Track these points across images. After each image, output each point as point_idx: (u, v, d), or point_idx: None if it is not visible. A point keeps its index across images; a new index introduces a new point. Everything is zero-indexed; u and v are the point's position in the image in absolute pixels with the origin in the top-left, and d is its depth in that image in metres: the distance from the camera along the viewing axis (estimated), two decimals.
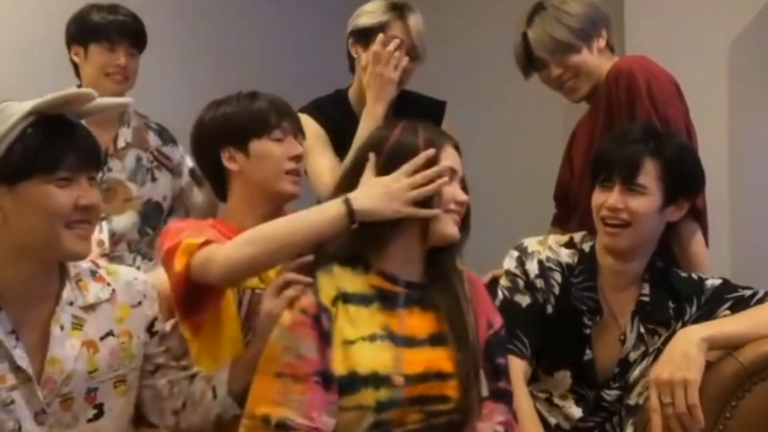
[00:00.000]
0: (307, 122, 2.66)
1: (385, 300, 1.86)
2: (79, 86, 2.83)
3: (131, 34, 2.87)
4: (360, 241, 1.89)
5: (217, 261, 1.92)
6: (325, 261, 1.88)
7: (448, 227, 1.88)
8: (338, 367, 1.79)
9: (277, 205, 2.16)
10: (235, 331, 2.09)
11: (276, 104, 2.18)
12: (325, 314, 1.81)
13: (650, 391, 1.97)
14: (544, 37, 2.51)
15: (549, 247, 2.22)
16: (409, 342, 1.85)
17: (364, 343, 1.82)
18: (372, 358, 1.80)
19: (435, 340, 1.87)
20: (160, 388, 1.91)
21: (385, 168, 1.89)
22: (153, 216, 2.94)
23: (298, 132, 2.20)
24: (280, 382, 1.77)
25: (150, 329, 1.90)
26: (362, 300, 1.85)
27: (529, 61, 2.58)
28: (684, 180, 2.18)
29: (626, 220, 2.12)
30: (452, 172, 1.90)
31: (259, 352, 1.86)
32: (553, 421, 2.18)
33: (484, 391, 1.87)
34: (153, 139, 2.95)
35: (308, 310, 1.81)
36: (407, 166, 1.87)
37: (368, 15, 2.71)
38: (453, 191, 1.89)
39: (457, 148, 1.94)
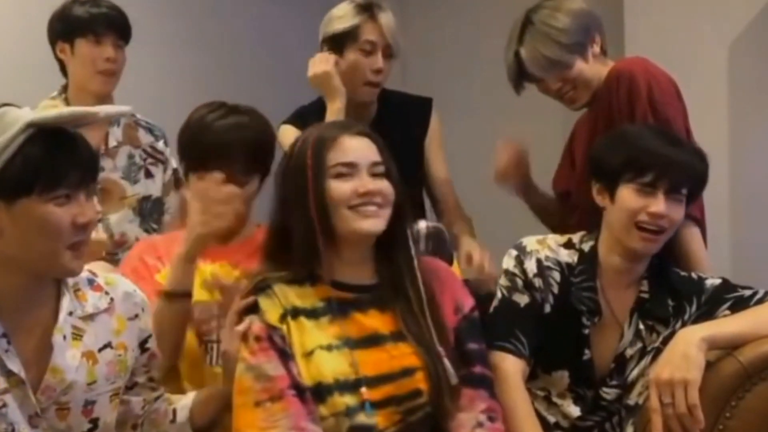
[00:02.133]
0: (290, 131, 2.67)
1: (338, 308, 1.88)
2: (66, 85, 2.83)
3: (117, 26, 2.82)
4: (300, 259, 1.90)
5: None
6: (264, 286, 1.90)
7: (354, 223, 1.87)
8: (305, 378, 1.82)
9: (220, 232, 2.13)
10: (193, 347, 2.14)
11: (220, 142, 2.13)
12: (276, 332, 1.85)
13: (650, 391, 1.97)
14: (537, 56, 2.49)
15: (548, 247, 2.20)
16: (371, 341, 1.88)
17: (322, 352, 1.85)
18: (331, 366, 1.83)
19: (397, 337, 1.88)
20: (133, 405, 1.90)
21: (284, 176, 1.94)
22: (155, 211, 2.92)
23: (252, 171, 2.16)
24: (261, 410, 1.80)
25: (143, 345, 1.88)
26: (312, 314, 1.88)
27: (524, 77, 2.56)
28: (700, 187, 2.20)
29: (664, 227, 2.10)
30: (351, 166, 1.88)
31: (225, 389, 1.92)
32: (551, 419, 2.17)
33: (453, 380, 1.86)
34: (144, 136, 2.93)
35: (261, 335, 1.85)
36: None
37: (338, 20, 2.67)
38: (354, 185, 1.87)
39: (364, 134, 1.93)
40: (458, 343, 1.92)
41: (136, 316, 1.86)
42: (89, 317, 1.80)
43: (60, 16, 2.83)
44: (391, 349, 1.87)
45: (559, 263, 2.18)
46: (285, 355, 1.83)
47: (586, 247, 2.20)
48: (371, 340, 1.88)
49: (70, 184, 1.68)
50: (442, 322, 1.91)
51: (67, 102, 2.79)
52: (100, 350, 1.80)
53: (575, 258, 2.19)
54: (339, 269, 1.91)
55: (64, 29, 2.81)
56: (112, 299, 1.84)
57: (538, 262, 2.17)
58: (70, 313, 1.77)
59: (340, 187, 1.88)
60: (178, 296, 2.04)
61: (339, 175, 1.89)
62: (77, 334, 1.78)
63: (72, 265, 1.73)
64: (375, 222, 1.88)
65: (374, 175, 1.90)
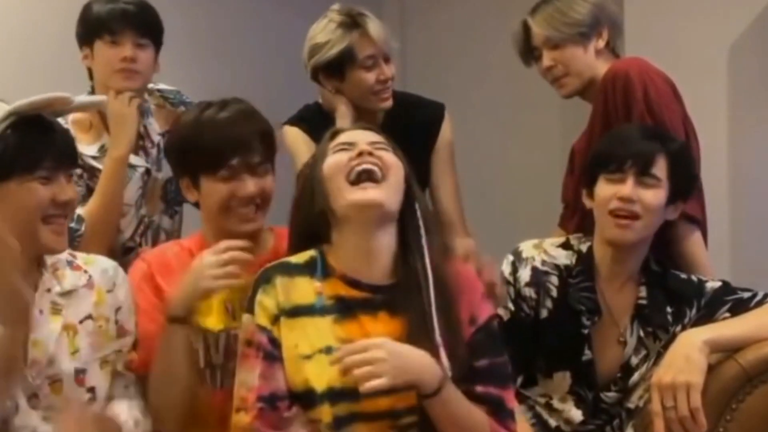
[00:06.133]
0: (294, 132, 2.65)
1: (345, 309, 1.81)
2: (92, 89, 2.61)
3: (136, 23, 2.53)
4: (312, 244, 1.88)
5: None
6: (266, 278, 1.85)
7: (349, 194, 1.80)
8: (294, 382, 1.79)
9: (232, 236, 2.01)
10: None
11: (232, 135, 2.01)
12: (264, 334, 1.81)
13: (652, 394, 1.97)
14: (541, 28, 2.53)
15: (544, 251, 2.20)
16: None
17: (320, 356, 1.78)
18: (328, 373, 1.75)
19: None
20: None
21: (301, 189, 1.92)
22: (177, 192, 2.62)
23: (258, 165, 2.04)
24: (235, 416, 1.81)
25: (115, 314, 1.96)
26: (315, 311, 1.81)
27: (528, 50, 2.60)
28: (686, 179, 2.19)
29: (637, 213, 2.10)
30: (349, 144, 1.85)
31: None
32: (553, 423, 2.17)
33: (446, 372, 1.74)
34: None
35: (252, 339, 1.83)
36: (218, 246, 1.90)
37: (327, 46, 2.56)
38: (350, 153, 1.83)
39: (368, 129, 1.92)
40: (469, 359, 1.80)
41: (113, 286, 1.96)
42: (68, 293, 1.89)
43: (80, 18, 2.60)
44: None
45: (557, 266, 2.18)
46: (268, 360, 1.80)
47: (584, 247, 2.20)
48: None
49: (47, 167, 1.80)
50: (453, 324, 1.80)
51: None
52: (81, 321, 1.89)
53: (573, 259, 2.19)
54: (351, 264, 1.83)
55: (83, 33, 2.58)
56: (90, 276, 1.93)
57: (533, 270, 2.17)
58: (48, 290, 1.86)
59: (333, 158, 1.84)
60: (181, 320, 1.94)
61: (337, 151, 1.86)
62: (56, 309, 1.87)
63: (52, 242, 1.83)
64: (370, 193, 1.79)
65: (375, 149, 1.84)
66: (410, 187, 1.88)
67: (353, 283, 1.83)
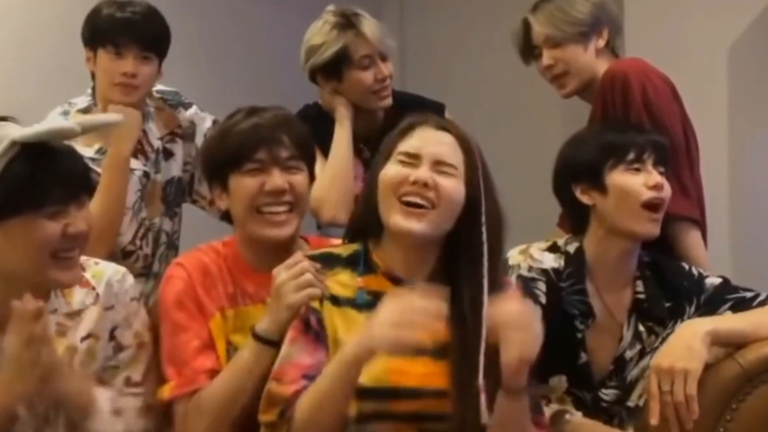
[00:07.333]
0: None
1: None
2: (93, 91, 2.59)
3: (141, 36, 2.48)
4: (359, 239, 1.86)
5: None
6: (317, 261, 1.83)
7: (393, 217, 1.76)
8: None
9: (264, 248, 1.98)
10: None
11: (260, 130, 1.96)
12: (313, 314, 1.79)
13: (650, 376, 1.96)
14: (542, 26, 2.53)
15: (530, 256, 2.16)
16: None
17: None
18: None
19: (439, 353, 1.73)
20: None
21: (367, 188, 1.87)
22: (179, 194, 2.70)
23: (287, 159, 1.97)
24: (269, 385, 1.76)
25: (111, 333, 1.88)
26: (357, 306, 1.80)
27: (528, 48, 2.59)
28: (667, 165, 2.20)
29: (664, 200, 2.11)
30: (413, 157, 1.78)
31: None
32: None
33: (484, 417, 1.68)
34: (182, 113, 2.68)
35: (304, 315, 1.80)
36: (287, 261, 1.81)
37: (323, 48, 2.56)
38: (408, 172, 1.76)
39: (446, 129, 1.84)
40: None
41: (113, 306, 1.87)
42: (75, 314, 1.83)
43: (88, 20, 2.54)
44: (429, 365, 1.73)
45: (544, 272, 2.14)
46: (316, 339, 1.77)
47: (572, 248, 2.17)
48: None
49: (56, 200, 1.69)
50: (496, 353, 1.71)
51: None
52: (82, 340, 1.83)
53: (561, 262, 2.15)
54: (394, 263, 1.82)
55: (89, 36, 2.53)
56: (97, 294, 1.86)
57: (519, 278, 2.13)
58: (55, 311, 1.80)
59: (392, 170, 1.78)
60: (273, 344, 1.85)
61: (399, 162, 1.79)
62: (61, 331, 1.80)
63: (62, 277, 1.75)
64: (414, 224, 1.75)
65: (438, 173, 1.78)
66: (474, 210, 1.80)
67: (396, 281, 1.81)
